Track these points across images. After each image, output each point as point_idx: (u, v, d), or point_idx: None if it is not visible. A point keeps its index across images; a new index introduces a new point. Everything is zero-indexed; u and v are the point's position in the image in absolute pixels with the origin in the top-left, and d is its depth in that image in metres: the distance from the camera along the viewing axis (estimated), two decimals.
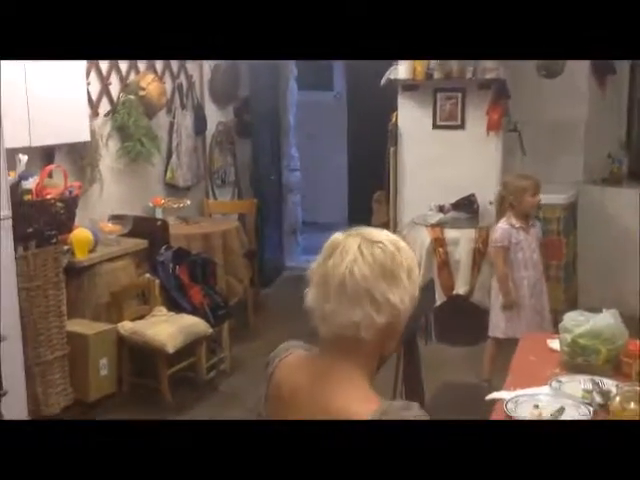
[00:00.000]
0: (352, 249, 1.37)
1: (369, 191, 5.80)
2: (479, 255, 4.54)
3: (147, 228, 4.31)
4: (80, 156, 4.22)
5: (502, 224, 3.78)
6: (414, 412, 1.32)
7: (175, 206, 4.83)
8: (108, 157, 4.46)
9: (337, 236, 1.42)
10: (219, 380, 4.15)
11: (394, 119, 5.04)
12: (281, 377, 1.51)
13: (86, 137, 4.10)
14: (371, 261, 1.35)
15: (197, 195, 5.32)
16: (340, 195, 7.42)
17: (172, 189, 5.07)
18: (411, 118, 4.94)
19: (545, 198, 4.64)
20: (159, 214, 4.71)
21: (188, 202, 4.93)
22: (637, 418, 1.82)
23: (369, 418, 1.30)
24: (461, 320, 4.65)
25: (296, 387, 1.46)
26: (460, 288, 4.57)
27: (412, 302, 1.41)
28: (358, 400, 1.35)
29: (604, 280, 5.09)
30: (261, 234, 5.67)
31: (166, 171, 5.02)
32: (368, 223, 5.61)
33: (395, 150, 5.04)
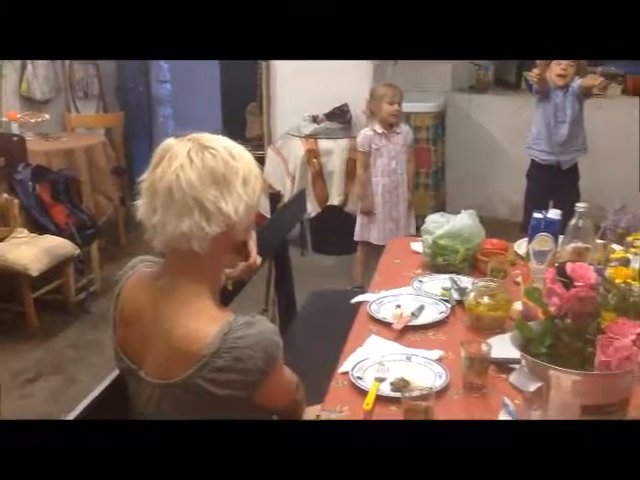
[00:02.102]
0: (181, 155, 1.28)
1: (243, 103, 5.64)
2: (352, 165, 4.56)
3: (2, 145, 4.01)
4: None
5: (365, 130, 3.88)
6: (257, 329, 1.28)
7: (33, 120, 4.53)
8: None
9: (168, 141, 1.34)
10: (90, 302, 4.01)
11: None
12: (126, 297, 1.43)
13: None
14: (200, 167, 1.27)
15: (57, 109, 4.99)
16: (213, 107, 7.17)
17: (28, 102, 4.73)
18: None
19: (414, 107, 4.71)
20: (15, 129, 4.42)
21: (47, 116, 4.63)
22: (489, 311, 1.91)
23: (212, 338, 1.26)
24: (336, 230, 4.71)
25: (140, 307, 1.38)
26: (334, 198, 4.61)
27: (249, 212, 1.34)
28: (202, 319, 1.30)
29: (471, 186, 5.28)
30: (130, 149, 5.44)
31: (21, 83, 4.66)
32: (242, 136, 5.49)
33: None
